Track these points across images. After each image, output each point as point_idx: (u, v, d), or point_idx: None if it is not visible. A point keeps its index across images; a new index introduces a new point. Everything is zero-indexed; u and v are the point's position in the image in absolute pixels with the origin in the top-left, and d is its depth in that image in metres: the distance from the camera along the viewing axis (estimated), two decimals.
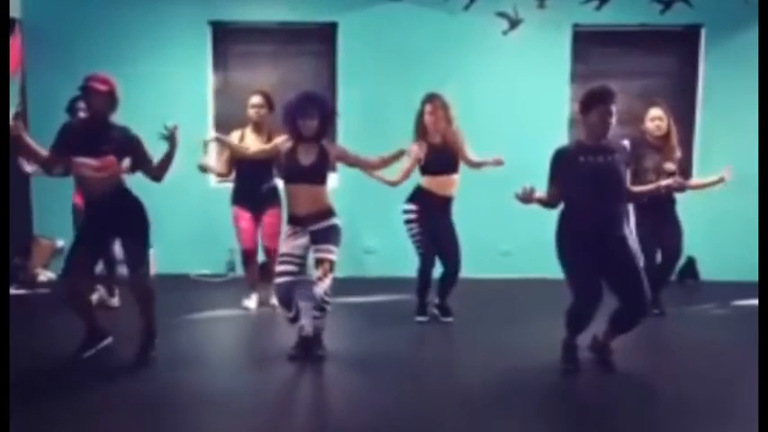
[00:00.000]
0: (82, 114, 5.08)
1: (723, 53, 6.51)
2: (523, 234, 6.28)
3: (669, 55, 6.76)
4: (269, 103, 5.38)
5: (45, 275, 6.27)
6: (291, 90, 6.55)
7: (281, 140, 4.37)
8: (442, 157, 5.03)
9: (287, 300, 4.21)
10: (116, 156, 4.11)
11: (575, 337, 4.19)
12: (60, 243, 6.22)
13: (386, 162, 4.55)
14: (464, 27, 6.48)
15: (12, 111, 6.10)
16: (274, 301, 5.53)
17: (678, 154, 5.20)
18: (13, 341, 3.87)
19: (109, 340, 4.41)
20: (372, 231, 6.23)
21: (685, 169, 5.25)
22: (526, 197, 3.95)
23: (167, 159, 4.18)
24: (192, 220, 6.38)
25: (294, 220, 4.30)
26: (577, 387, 4.06)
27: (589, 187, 3.96)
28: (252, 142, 5.28)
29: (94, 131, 4.11)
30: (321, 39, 6.65)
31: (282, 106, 4.39)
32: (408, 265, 5.24)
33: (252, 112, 5.34)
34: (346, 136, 6.58)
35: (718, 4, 6.47)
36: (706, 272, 6.39)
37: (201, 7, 6.51)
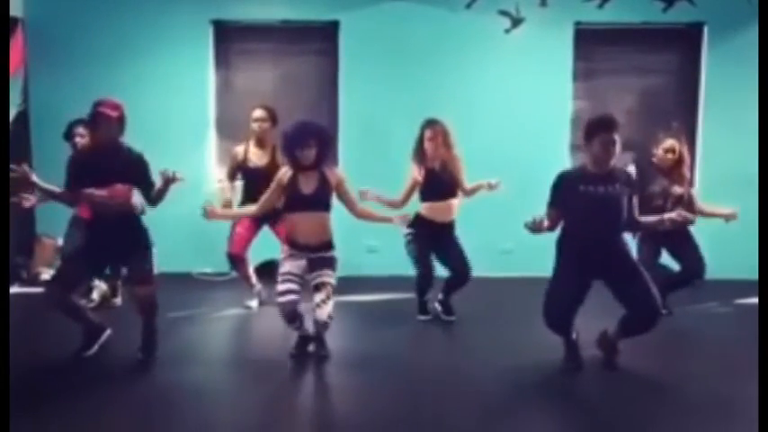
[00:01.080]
0: (79, 140, 5.08)
1: (725, 51, 6.50)
2: (525, 232, 6.27)
3: (671, 53, 6.74)
4: (272, 116, 5.36)
5: (48, 274, 6.27)
6: (293, 89, 6.67)
7: (282, 173, 4.36)
8: (440, 183, 5.04)
9: (292, 317, 4.22)
10: (126, 181, 4.11)
11: (567, 336, 4.21)
12: (62, 242, 6.22)
13: (371, 217, 4.53)
14: (466, 25, 6.48)
15: (13, 110, 6.12)
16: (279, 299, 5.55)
17: (687, 177, 5.21)
18: (16, 340, 3.88)
19: (108, 333, 4.40)
20: (374, 230, 6.18)
21: (692, 196, 5.25)
22: (536, 227, 3.98)
23: (161, 193, 4.19)
24: (193, 219, 6.34)
25: (294, 245, 4.32)
26: (580, 385, 4.06)
27: (588, 216, 4.00)
28: (255, 156, 5.33)
29: (104, 159, 4.10)
30: (323, 37, 6.65)
31: (281, 136, 4.41)
32: (410, 265, 5.23)
33: (254, 125, 5.33)
34: (348, 136, 6.59)
35: (720, 2, 6.46)
36: (708, 271, 6.38)
37: (203, 6, 6.50)
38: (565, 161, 6.59)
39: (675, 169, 5.14)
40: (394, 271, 5.65)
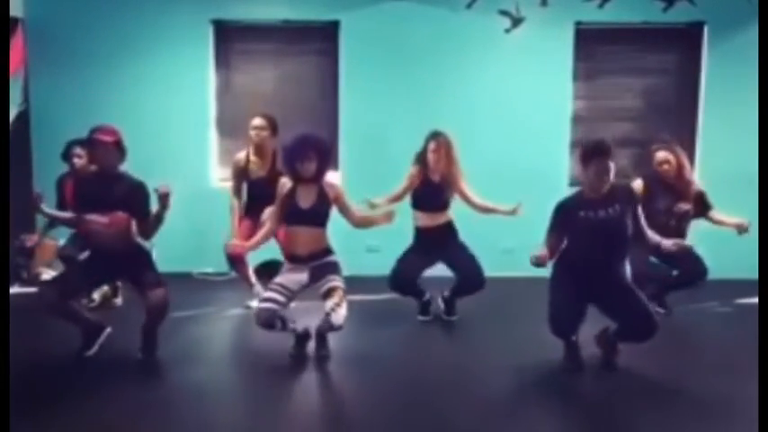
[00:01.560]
0: (77, 160, 5.09)
1: (725, 51, 6.49)
2: (526, 231, 6.26)
3: (671, 52, 6.73)
4: (271, 124, 5.36)
5: (48, 274, 6.27)
6: (294, 89, 6.67)
7: (282, 184, 4.38)
8: (434, 194, 5.07)
9: (268, 324, 4.21)
10: (124, 209, 4.11)
11: (568, 339, 4.22)
12: (63, 243, 6.23)
13: (369, 222, 4.55)
14: (466, 25, 6.47)
15: (13, 110, 6.12)
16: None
17: (694, 185, 5.20)
18: (16, 340, 3.87)
19: (107, 332, 4.41)
20: (375, 230, 6.22)
21: (705, 198, 5.25)
22: (538, 263, 4.01)
23: (157, 220, 4.17)
24: (194, 219, 6.38)
25: (293, 259, 4.34)
26: (580, 385, 4.07)
27: (590, 241, 4.02)
28: (255, 166, 5.35)
29: (103, 185, 4.11)
30: (323, 37, 6.64)
31: (281, 149, 4.42)
32: None
33: (253, 134, 5.34)
34: (349, 136, 6.59)
35: (720, 2, 6.45)
36: (709, 270, 6.39)
37: (203, 6, 6.50)
38: (565, 161, 6.60)
39: (678, 180, 5.14)
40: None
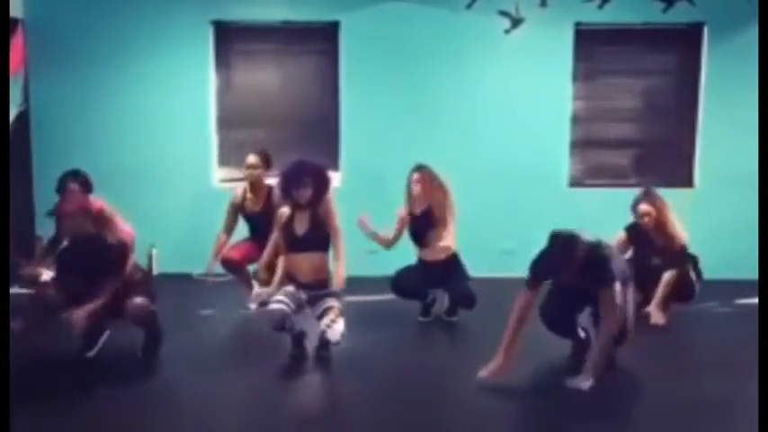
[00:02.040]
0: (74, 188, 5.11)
1: (725, 51, 6.49)
2: (526, 233, 6.27)
3: (671, 53, 6.73)
4: (264, 162, 5.47)
5: (48, 275, 6.26)
6: (294, 89, 6.67)
7: (280, 214, 4.41)
8: (421, 229, 5.07)
9: (279, 326, 4.22)
10: (104, 269, 4.10)
11: (553, 332, 4.29)
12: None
13: (336, 252, 4.44)
14: (466, 26, 6.47)
15: (13, 110, 6.12)
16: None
17: (679, 238, 5.16)
18: (17, 340, 3.87)
19: (107, 333, 4.42)
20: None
21: (684, 256, 5.20)
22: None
23: None
24: (194, 219, 6.38)
25: (294, 283, 4.36)
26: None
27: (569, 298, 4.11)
28: (251, 202, 5.51)
29: (80, 250, 4.12)
30: (323, 38, 6.64)
31: (278, 176, 4.45)
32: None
33: (246, 173, 5.47)
34: (349, 136, 6.59)
35: (720, 2, 6.45)
36: (708, 270, 6.39)
37: (204, 6, 6.50)
38: (564, 161, 6.60)
39: (657, 234, 5.15)
40: (394, 272, 5.65)
